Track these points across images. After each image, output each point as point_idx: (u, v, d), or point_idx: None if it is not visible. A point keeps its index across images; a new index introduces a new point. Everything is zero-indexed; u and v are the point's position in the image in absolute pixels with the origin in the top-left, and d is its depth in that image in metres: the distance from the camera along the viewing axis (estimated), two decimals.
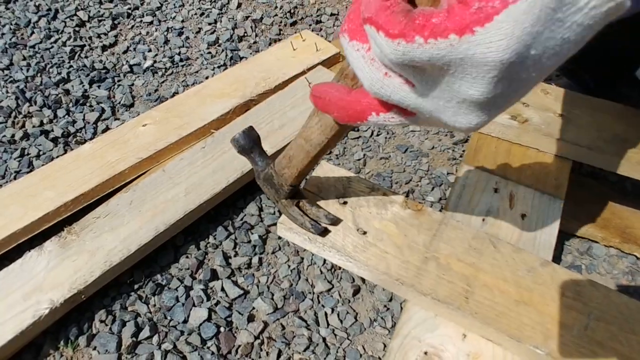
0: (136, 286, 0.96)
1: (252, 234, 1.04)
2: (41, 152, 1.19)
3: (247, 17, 1.62)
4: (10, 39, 1.47)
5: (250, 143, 0.77)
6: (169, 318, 0.92)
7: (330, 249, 0.77)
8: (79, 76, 1.38)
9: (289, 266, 0.99)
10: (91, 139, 1.22)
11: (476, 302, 0.71)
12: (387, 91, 0.44)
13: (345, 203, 0.82)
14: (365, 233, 0.78)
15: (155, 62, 1.45)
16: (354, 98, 0.52)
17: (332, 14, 1.65)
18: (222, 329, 0.90)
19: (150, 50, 1.49)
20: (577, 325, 0.69)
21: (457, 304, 0.71)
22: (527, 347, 0.67)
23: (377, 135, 1.26)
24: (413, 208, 0.81)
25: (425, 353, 0.72)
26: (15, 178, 1.13)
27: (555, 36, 0.32)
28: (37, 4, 1.61)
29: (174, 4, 1.67)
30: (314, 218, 0.79)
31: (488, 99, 0.37)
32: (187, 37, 1.54)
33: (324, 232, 0.79)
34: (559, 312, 0.70)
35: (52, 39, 1.49)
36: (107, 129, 1.25)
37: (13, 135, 1.22)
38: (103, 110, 1.30)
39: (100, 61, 1.44)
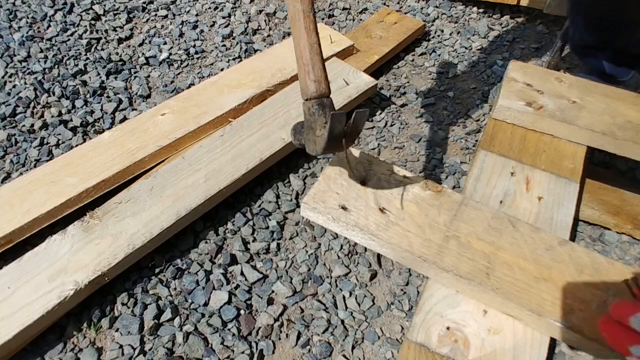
0: (157, 270, 0.97)
1: (270, 220, 1.06)
2: (60, 141, 1.21)
3: (260, 11, 1.64)
4: (27, 32, 1.49)
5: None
6: (189, 301, 0.93)
7: (354, 227, 0.78)
8: (96, 68, 1.40)
9: (307, 251, 1.01)
10: (109, 128, 1.24)
11: (497, 279, 0.73)
12: None
13: (366, 184, 0.84)
14: (387, 213, 0.79)
15: (170, 54, 1.47)
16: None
17: (344, 8, 1.67)
18: (242, 312, 0.92)
19: (165, 43, 1.51)
20: (595, 300, 0.71)
21: (478, 280, 0.72)
22: (547, 321, 0.69)
23: (391, 125, 1.28)
24: (433, 189, 0.83)
25: (448, 328, 0.73)
26: (35, 166, 1.15)
27: None
28: None
29: None
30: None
31: None
32: (202, 31, 1.57)
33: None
34: (578, 288, 0.72)
35: (69, 32, 1.51)
36: (124, 118, 1.27)
37: (32, 125, 1.24)
38: (120, 101, 1.32)
39: (117, 53, 1.46)
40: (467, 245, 0.76)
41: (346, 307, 0.93)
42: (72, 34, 1.51)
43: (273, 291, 0.95)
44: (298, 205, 1.09)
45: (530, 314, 0.70)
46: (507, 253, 0.76)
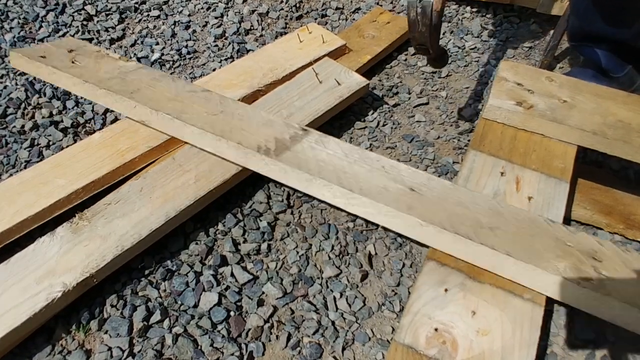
0: (147, 272, 0.97)
1: (261, 221, 1.06)
2: (51, 142, 1.20)
3: (253, 11, 1.64)
4: (19, 33, 1.49)
5: None
6: (179, 302, 0.93)
7: None
8: None
9: (298, 252, 1.00)
10: (100, 129, 1.24)
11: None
12: None
13: None
14: None
15: (162, 54, 1.46)
16: None
17: (337, 8, 1.66)
18: (232, 313, 0.91)
19: (157, 44, 1.50)
20: None
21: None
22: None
23: (384, 125, 1.27)
24: None
25: (436, 330, 0.73)
26: (25, 167, 1.15)
27: None
28: None
29: None
30: None
31: None
32: (194, 31, 1.56)
33: None
34: None
35: (61, 33, 1.50)
36: (115, 119, 1.27)
37: (23, 126, 1.23)
38: None
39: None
40: None
41: (337, 308, 0.93)
42: (64, 35, 1.50)
43: (263, 292, 0.95)
44: (289, 206, 1.08)
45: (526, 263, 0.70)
46: None
